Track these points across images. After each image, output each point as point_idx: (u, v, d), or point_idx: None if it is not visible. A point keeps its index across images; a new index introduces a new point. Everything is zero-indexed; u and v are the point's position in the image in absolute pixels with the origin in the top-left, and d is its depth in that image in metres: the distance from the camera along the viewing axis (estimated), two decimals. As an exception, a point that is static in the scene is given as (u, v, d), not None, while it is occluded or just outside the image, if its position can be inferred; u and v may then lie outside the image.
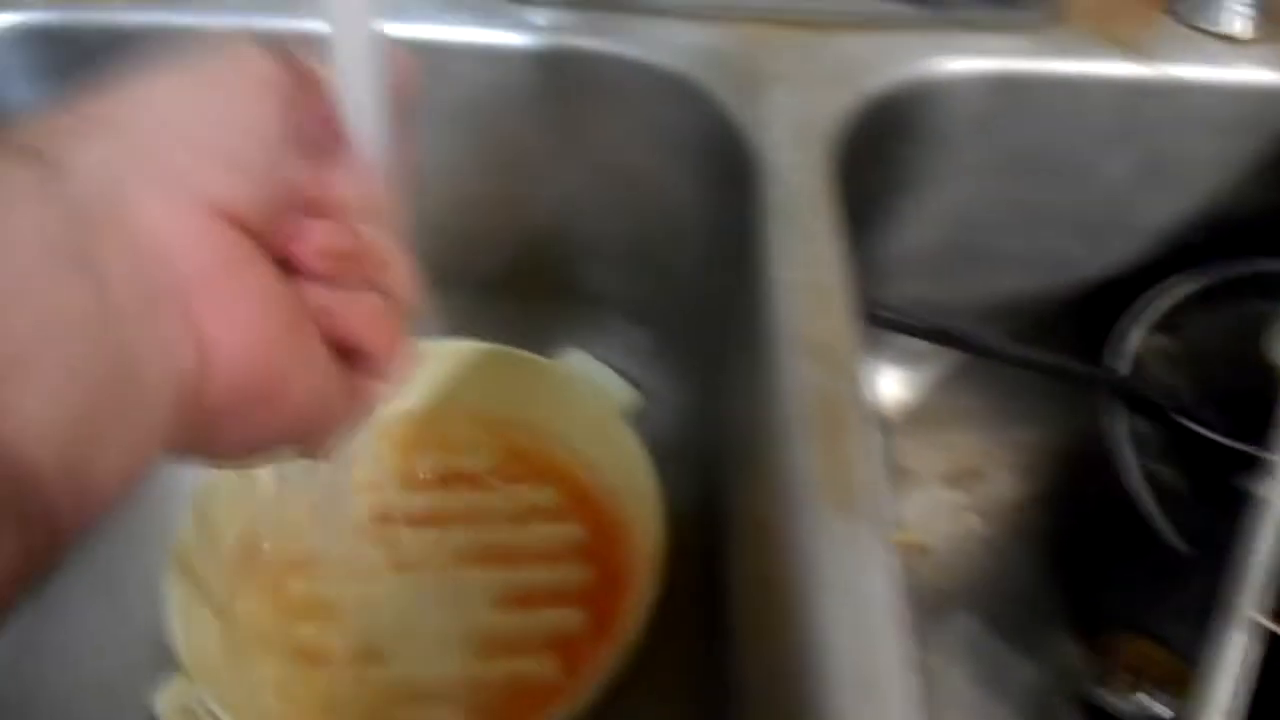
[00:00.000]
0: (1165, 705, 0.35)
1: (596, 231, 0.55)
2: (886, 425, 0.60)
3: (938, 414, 0.60)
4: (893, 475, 0.58)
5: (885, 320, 0.42)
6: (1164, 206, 0.54)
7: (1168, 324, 0.53)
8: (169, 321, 0.20)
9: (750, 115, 0.45)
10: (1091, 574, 0.54)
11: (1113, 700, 0.35)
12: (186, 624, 0.44)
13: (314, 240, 0.24)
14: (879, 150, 0.49)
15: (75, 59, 0.49)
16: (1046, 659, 0.53)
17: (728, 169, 0.45)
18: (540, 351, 0.53)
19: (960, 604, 0.54)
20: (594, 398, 0.51)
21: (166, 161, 0.21)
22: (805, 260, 0.39)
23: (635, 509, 0.48)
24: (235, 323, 0.21)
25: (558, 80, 0.49)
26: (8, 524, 0.17)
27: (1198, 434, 0.49)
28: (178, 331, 0.20)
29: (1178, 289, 0.53)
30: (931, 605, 0.54)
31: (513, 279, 0.58)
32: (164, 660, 0.43)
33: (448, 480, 0.52)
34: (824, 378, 0.35)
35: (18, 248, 0.18)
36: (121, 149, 0.20)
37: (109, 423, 0.19)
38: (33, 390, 0.18)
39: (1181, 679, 0.35)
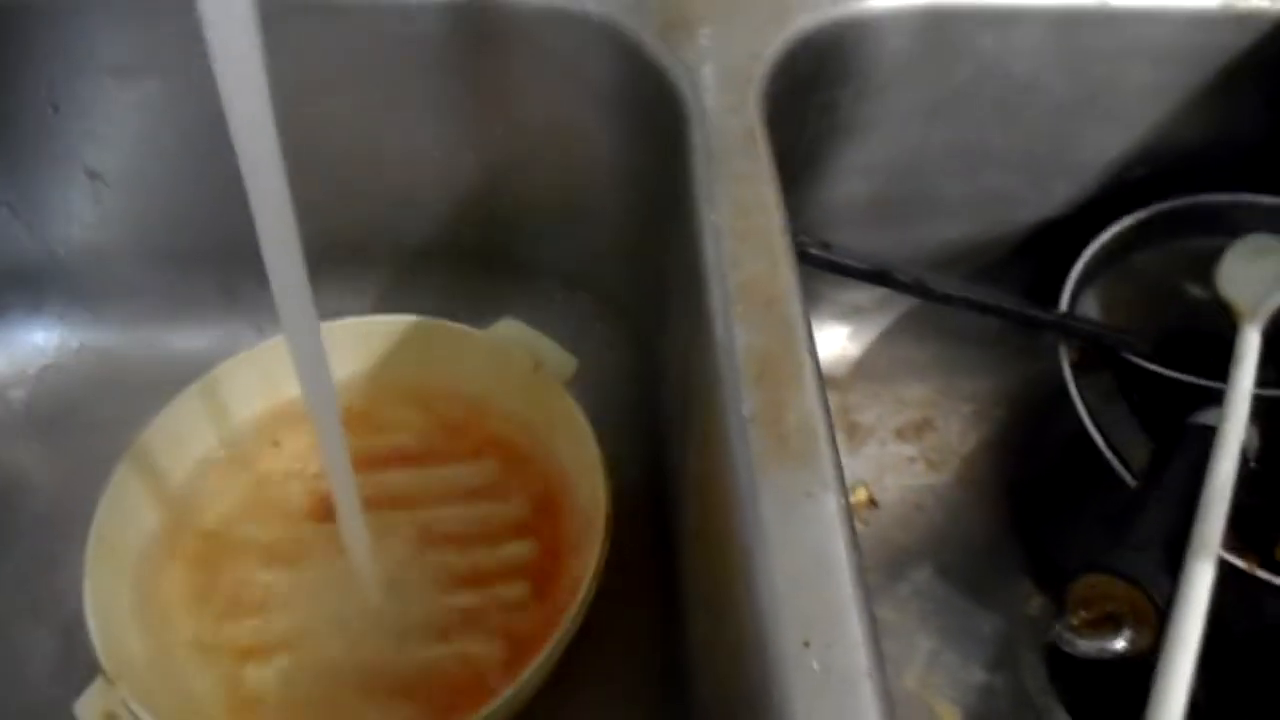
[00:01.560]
0: (1124, 639, 0.34)
1: (525, 193, 0.53)
2: (834, 381, 0.59)
3: (885, 367, 0.59)
4: (843, 430, 0.57)
5: (817, 259, 0.40)
6: (1105, 142, 0.53)
7: (1113, 262, 0.53)
8: None
9: (677, 59, 0.43)
10: (1047, 518, 0.53)
11: (1070, 637, 0.34)
12: (105, 622, 0.41)
13: None
14: (811, 94, 0.47)
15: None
16: (1006, 608, 0.52)
17: (657, 117, 0.43)
18: (473, 322, 0.51)
19: (917, 557, 0.53)
20: (530, 366, 0.49)
21: None
22: (738, 203, 0.37)
23: (579, 477, 0.47)
24: None
25: (475, 33, 0.47)
26: None
27: (1146, 371, 0.48)
28: None
29: (1122, 226, 0.52)
30: (888, 560, 0.53)
31: (439, 248, 0.55)
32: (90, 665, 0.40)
33: (383, 460, 0.49)
34: (760, 322, 0.34)
35: None
36: None
37: None
38: None
39: (1140, 612, 0.34)
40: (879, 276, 0.43)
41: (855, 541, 0.29)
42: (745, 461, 0.31)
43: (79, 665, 0.41)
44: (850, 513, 0.30)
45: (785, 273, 0.35)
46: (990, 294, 0.47)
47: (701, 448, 0.36)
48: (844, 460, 0.56)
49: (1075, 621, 0.35)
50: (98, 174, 0.51)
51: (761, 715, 0.27)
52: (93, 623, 0.41)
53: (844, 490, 0.30)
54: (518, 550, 0.46)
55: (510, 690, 0.39)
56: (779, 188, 0.38)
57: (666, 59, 0.43)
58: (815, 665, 0.26)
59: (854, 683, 0.26)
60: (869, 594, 0.28)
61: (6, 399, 0.55)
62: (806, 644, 0.27)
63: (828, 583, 0.28)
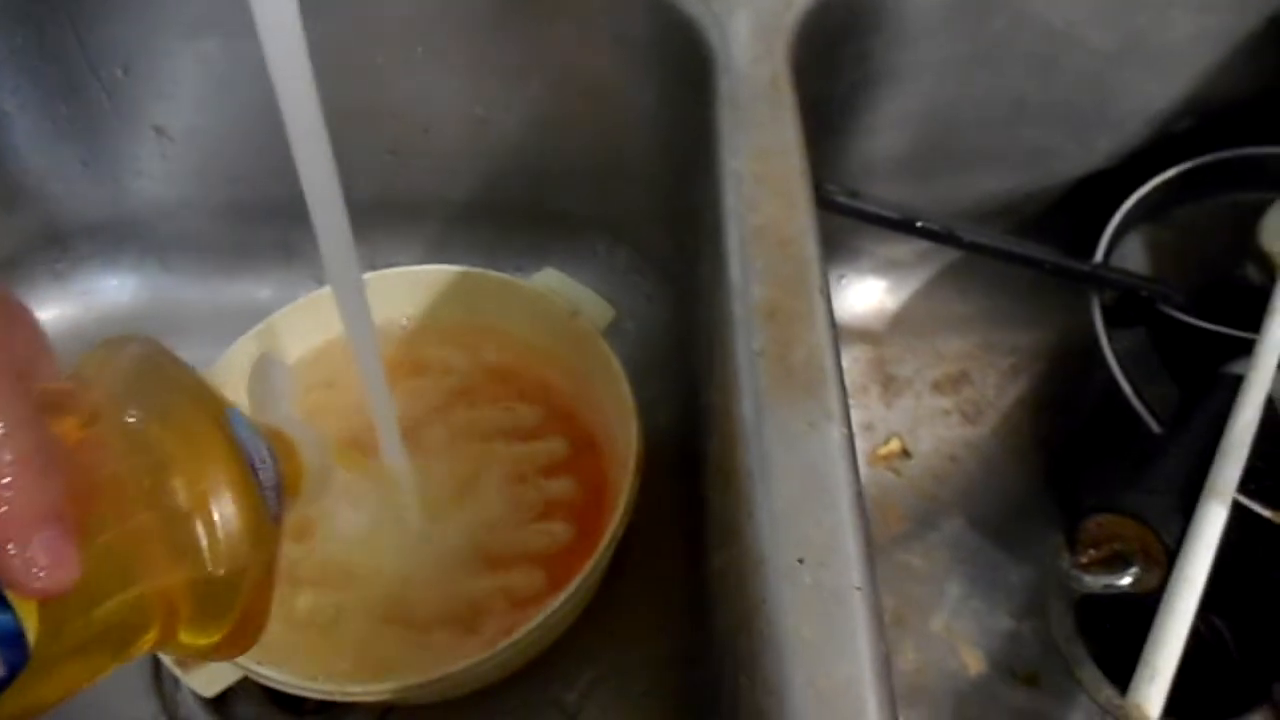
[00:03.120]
0: (1130, 576, 0.35)
1: (564, 148, 0.54)
2: (871, 334, 0.59)
3: (923, 321, 0.60)
4: (879, 383, 0.58)
5: (844, 206, 0.41)
6: (1147, 93, 0.52)
7: (1153, 215, 0.52)
8: None
9: (708, 9, 0.44)
10: (1080, 472, 0.53)
11: (1076, 574, 0.35)
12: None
13: None
14: (844, 44, 0.47)
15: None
16: (1036, 559, 0.52)
17: (686, 68, 0.44)
18: (515, 274, 0.53)
19: (949, 507, 0.54)
20: (569, 314, 0.51)
21: None
22: (759, 149, 0.38)
23: (615, 421, 0.48)
24: None
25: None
26: None
27: (1180, 322, 0.48)
28: None
29: (1163, 179, 0.52)
30: (920, 509, 0.54)
31: (483, 203, 0.57)
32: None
33: (428, 400, 0.52)
34: (775, 262, 0.35)
35: None
36: None
37: None
38: None
39: (1149, 552, 0.35)
40: (907, 225, 0.43)
41: (855, 470, 0.30)
42: (753, 393, 0.32)
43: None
44: (852, 443, 0.31)
45: (802, 215, 0.36)
46: (1022, 244, 0.47)
47: (719, 383, 0.37)
48: (879, 412, 0.57)
49: (1084, 559, 0.36)
50: (164, 131, 0.54)
51: (758, 632, 0.29)
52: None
53: (847, 422, 0.31)
54: (557, 488, 0.48)
55: (541, 617, 0.41)
56: (801, 134, 0.39)
57: (697, 9, 0.44)
58: (808, 580, 0.28)
59: (844, 597, 0.27)
60: (867, 520, 0.30)
61: (84, 343, 0.59)
62: (801, 561, 0.28)
63: (825, 506, 0.29)
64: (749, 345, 0.33)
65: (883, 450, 0.56)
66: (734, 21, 0.43)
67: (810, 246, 0.35)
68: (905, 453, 0.56)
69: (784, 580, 0.28)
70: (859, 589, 0.27)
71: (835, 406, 0.32)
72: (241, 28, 0.50)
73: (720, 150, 0.39)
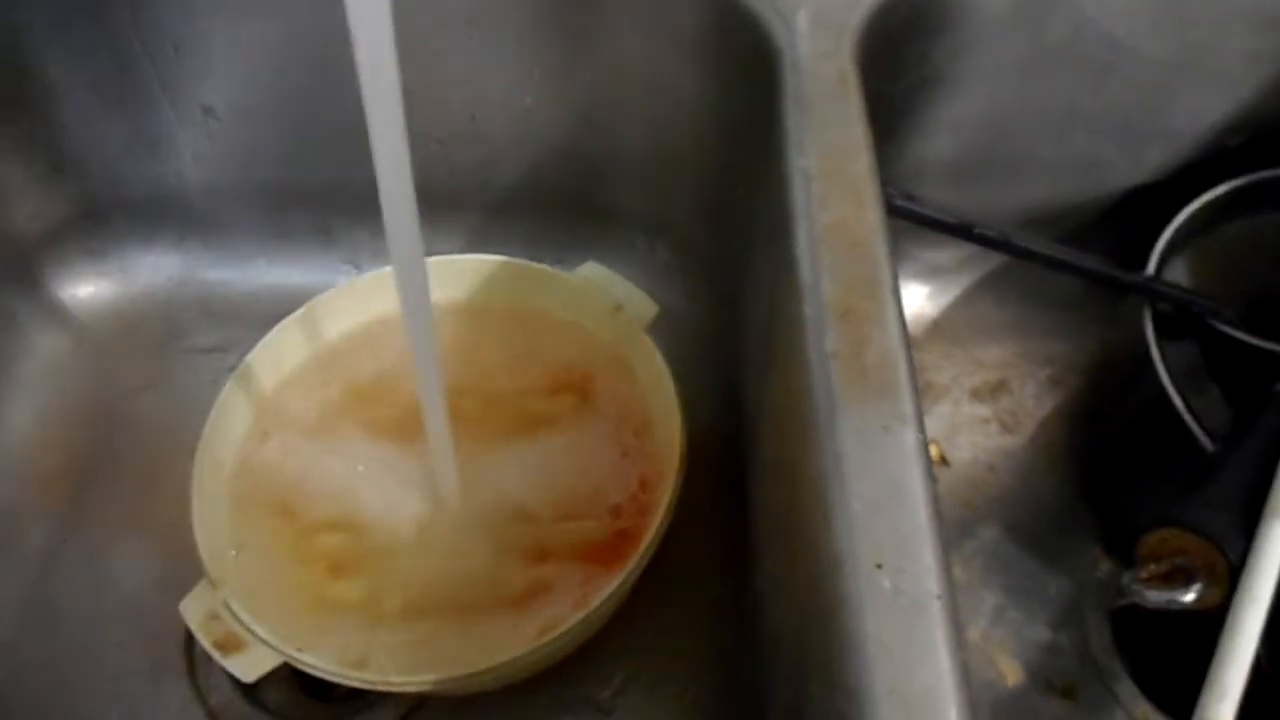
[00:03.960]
0: (1194, 593, 0.34)
1: (612, 141, 0.54)
2: (911, 339, 0.59)
3: (962, 328, 0.59)
4: (919, 389, 0.58)
5: (903, 210, 0.41)
6: (1201, 108, 0.52)
7: (1204, 230, 0.52)
8: None
9: (771, 5, 0.43)
10: (1119, 484, 0.53)
11: (1139, 589, 0.35)
12: (209, 532, 0.44)
13: None
14: (906, 45, 0.47)
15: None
16: (1074, 570, 0.52)
17: (748, 63, 0.44)
18: (558, 267, 0.52)
19: (986, 516, 0.54)
20: (612, 308, 0.50)
21: None
22: (828, 147, 0.38)
23: (658, 416, 0.48)
24: None
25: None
26: None
27: (1232, 339, 0.48)
28: None
29: (1215, 194, 0.51)
30: (957, 518, 0.54)
31: (527, 194, 0.57)
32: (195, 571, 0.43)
33: (470, 391, 0.51)
34: (846, 263, 0.34)
35: None
36: None
37: None
38: None
39: (1212, 568, 0.35)
40: (964, 230, 0.43)
41: (931, 473, 0.30)
42: (826, 395, 0.32)
43: (183, 572, 0.44)
44: (927, 447, 0.31)
45: (872, 215, 0.36)
46: (1076, 254, 0.46)
47: (783, 384, 0.37)
48: (916, 391, 0.57)
49: (1145, 574, 0.35)
50: (212, 111, 0.54)
51: (834, 636, 0.28)
52: (199, 532, 0.44)
53: (921, 426, 0.31)
54: (601, 482, 0.48)
55: (581, 615, 0.41)
56: (869, 132, 0.39)
57: (761, 4, 0.44)
58: (887, 585, 0.27)
59: (924, 604, 0.27)
60: (942, 526, 0.29)
61: (121, 322, 0.58)
62: (879, 566, 0.28)
63: (902, 511, 0.29)
64: (820, 347, 0.33)
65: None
66: (799, 17, 0.43)
67: (880, 247, 0.35)
68: (944, 460, 0.55)
69: (864, 584, 0.27)
70: (938, 597, 0.27)
71: (909, 410, 0.31)
72: (295, 6, 0.50)
73: (787, 148, 0.39)
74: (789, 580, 0.34)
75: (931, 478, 0.30)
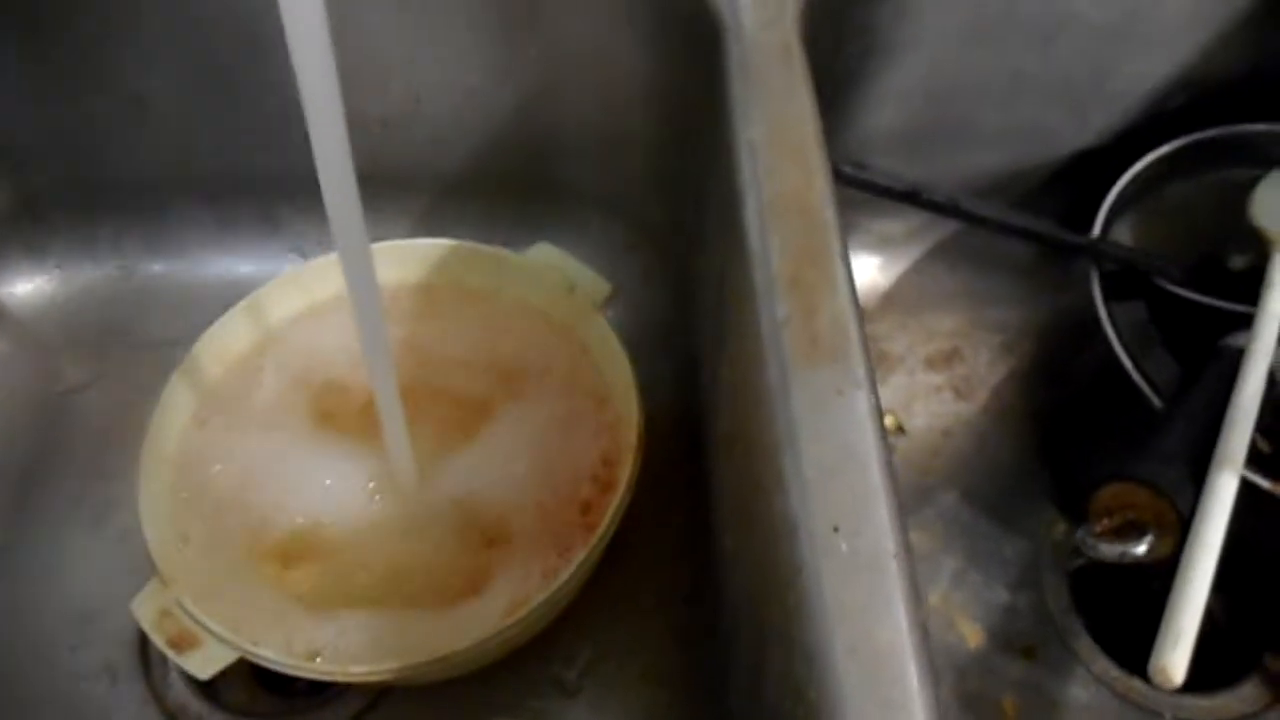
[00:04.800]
0: (1145, 545, 0.35)
1: (560, 119, 0.53)
2: (864, 310, 0.59)
3: (915, 297, 0.60)
4: (874, 360, 0.58)
5: (851, 177, 0.41)
6: (1143, 71, 0.53)
7: (1148, 191, 0.53)
8: None
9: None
10: (1072, 445, 0.54)
11: (1092, 543, 0.35)
12: (158, 529, 0.43)
13: None
14: (848, 17, 0.47)
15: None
16: (1030, 532, 0.53)
17: (693, 36, 0.44)
18: (509, 248, 0.52)
19: (944, 482, 0.54)
20: (566, 289, 0.50)
21: None
22: (774, 117, 0.38)
23: (614, 397, 0.48)
24: None
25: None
26: None
27: (1177, 297, 0.49)
28: None
29: (1157, 155, 0.52)
30: (915, 485, 0.54)
31: (475, 175, 0.56)
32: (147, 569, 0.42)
33: (422, 373, 0.50)
34: (795, 231, 0.34)
35: None
36: None
37: None
38: None
39: (1162, 520, 0.35)
40: (912, 196, 0.43)
41: (884, 436, 0.30)
42: (778, 362, 0.31)
43: (134, 570, 0.43)
44: (880, 410, 0.31)
45: (819, 183, 0.36)
46: (1024, 218, 0.47)
47: (736, 355, 0.37)
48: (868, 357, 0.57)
49: (1098, 529, 0.36)
50: (144, 101, 0.52)
51: (794, 600, 0.28)
52: (147, 529, 0.43)
53: (874, 389, 0.31)
54: (558, 463, 0.48)
55: (544, 595, 0.41)
56: (815, 102, 0.39)
57: (705, -21, 0.43)
58: (844, 548, 0.27)
59: (881, 564, 0.27)
60: (898, 486, 0.29)
61: (62, 319, 0.57)
62: (836, 529, 0.28)
63: (857, 473, 0.29)
64: (772, 315, 0.32)
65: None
66: (742, -9, 0.43)
67: (829, 215, 0.35)
68: (900, 429, 0.56)
69: (820, 548, 0.27)
70: (895, 555, 0.27)
71: (862, 373, 0.31)
72: (226, -8, 0.49)
73: (734, 120, 0.38)
74: (747, 549, 0.34)
75: (884, 439, 0.30)
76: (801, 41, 0.41)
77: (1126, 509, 0.36)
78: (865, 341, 0.32)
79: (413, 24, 0.50)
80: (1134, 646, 0.49)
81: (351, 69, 0.51)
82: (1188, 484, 0.36)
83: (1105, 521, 0.36)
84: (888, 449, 0.30)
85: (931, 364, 0.58)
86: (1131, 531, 0.35)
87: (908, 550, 0.27)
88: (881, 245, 0.60)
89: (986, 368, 0.58)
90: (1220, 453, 0.36)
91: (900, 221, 0.59)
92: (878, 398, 0.31)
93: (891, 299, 0.60)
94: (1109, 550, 0.35)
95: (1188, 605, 0.32)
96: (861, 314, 0.33)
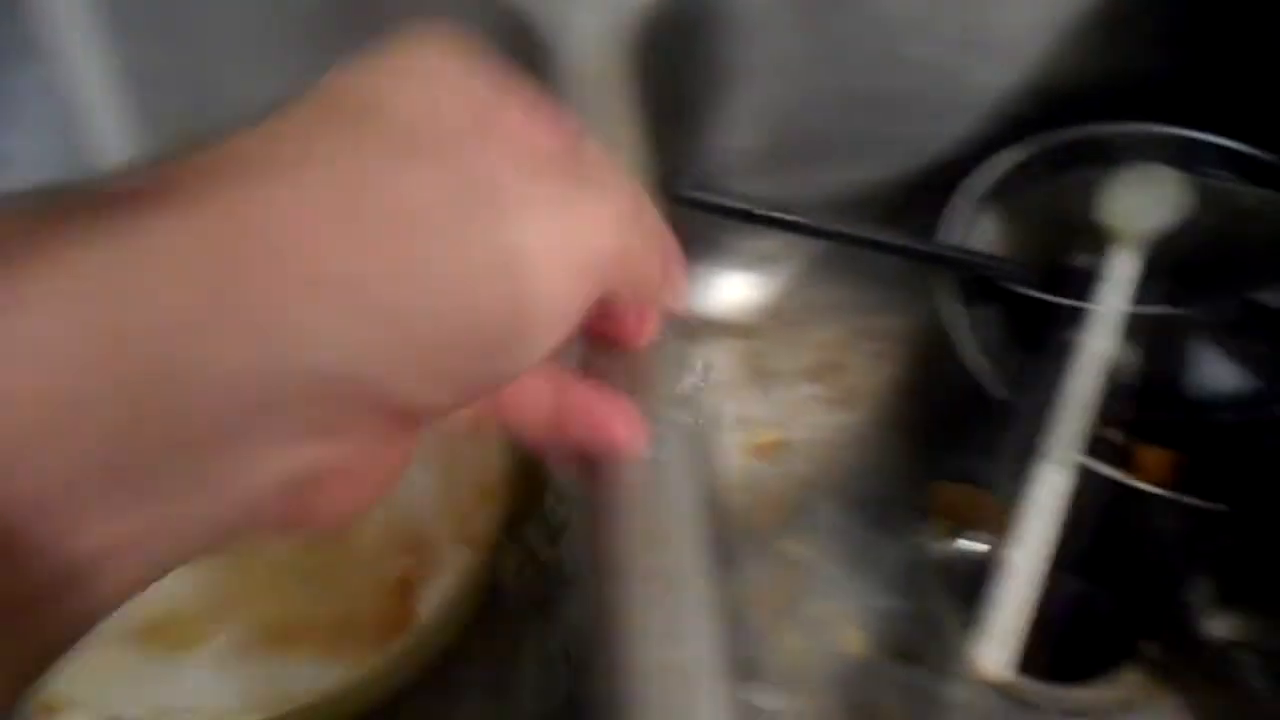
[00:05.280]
0: (980, 542, 0.36)
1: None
2: (743, 327, 0.60)
3: (794, 312, 0.61)
4: (752, 375, 0.59)
5: (690, 200, 0.42)
6: (990, 79, 0.54)
7: (999, 195, 0.54)
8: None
9: (545, 8, 0.44)
10: (945, 450, 0.54)
11: (930, 543, 0.36)
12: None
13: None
14: (686, 42, 0.48)
15: None
16: (908, 537, 0.53)
17: (520, 64, 0.44)
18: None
19: (825, 494, 0.55)
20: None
21: None
22: (601, 142, 0.38)
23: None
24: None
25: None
26: None
27: (1028, 298, 0.50)
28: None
29: (1006, 160, 0.53)
30: (796, 497, 0.55)
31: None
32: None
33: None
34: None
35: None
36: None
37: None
38: None
39: (989, 513, 0.36)
40: (746, 215, 0.44)
41: (698, 457, 0.30)
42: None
43: None
44: (697, 425, 0.31)
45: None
46: (866, 229, 0.48)
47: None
48: (756, 404, 0.58)
49: (936, 528, 0.36)
50: None
51: (609, 617, 0.28)
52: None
53: (696, 404, 0.31)
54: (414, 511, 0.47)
55: (400, 647, 0.41)
56: (644, 129, 0.39)
57: (534, 7, 0.44)
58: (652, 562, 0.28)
59: (686, 580, 0.27)
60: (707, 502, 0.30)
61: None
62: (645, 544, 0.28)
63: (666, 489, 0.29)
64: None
65: (760, 442, 0.56)
66: (572, 19, 0.43)
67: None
68: (782, 443, 0.56)
69: (631, 563, 0.28)
70: (700, 574, 0.28)
71: (675, 394, 0.32)
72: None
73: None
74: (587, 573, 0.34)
75: (696, 464, 0.30)
76: (633, 70, 0.42)
77: (962, 508, 0.36)
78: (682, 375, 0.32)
79: (253, 68, 0.50)
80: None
81: (193, 119, 0.51)
82: (1015, 479, 0.36)
83: (943, 521, 0.37)
84: (706, 468, 0.30)
85: (813, 376, 0.59)
86: (967, 529, 0.36)
87: (711, 565, 0.28)
88: (759, 262, 0.61)
89: (865, 377, 0.59)
90: (1046, 446, 0.37)
91: (774, 239, 0.59)
92: (699, 417, 0.31)
93: (770, 314, 0.61)
94: (944, 549, 0.36)
95: (1009, 599, 0.32)
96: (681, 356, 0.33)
